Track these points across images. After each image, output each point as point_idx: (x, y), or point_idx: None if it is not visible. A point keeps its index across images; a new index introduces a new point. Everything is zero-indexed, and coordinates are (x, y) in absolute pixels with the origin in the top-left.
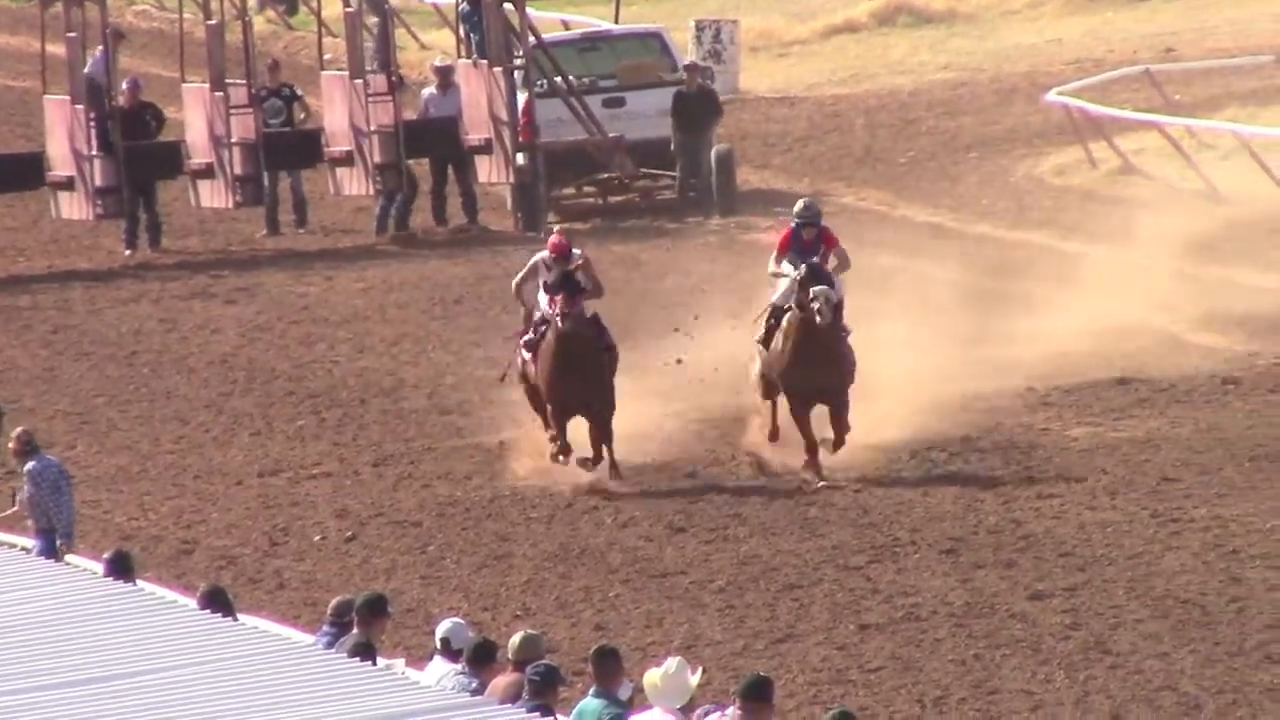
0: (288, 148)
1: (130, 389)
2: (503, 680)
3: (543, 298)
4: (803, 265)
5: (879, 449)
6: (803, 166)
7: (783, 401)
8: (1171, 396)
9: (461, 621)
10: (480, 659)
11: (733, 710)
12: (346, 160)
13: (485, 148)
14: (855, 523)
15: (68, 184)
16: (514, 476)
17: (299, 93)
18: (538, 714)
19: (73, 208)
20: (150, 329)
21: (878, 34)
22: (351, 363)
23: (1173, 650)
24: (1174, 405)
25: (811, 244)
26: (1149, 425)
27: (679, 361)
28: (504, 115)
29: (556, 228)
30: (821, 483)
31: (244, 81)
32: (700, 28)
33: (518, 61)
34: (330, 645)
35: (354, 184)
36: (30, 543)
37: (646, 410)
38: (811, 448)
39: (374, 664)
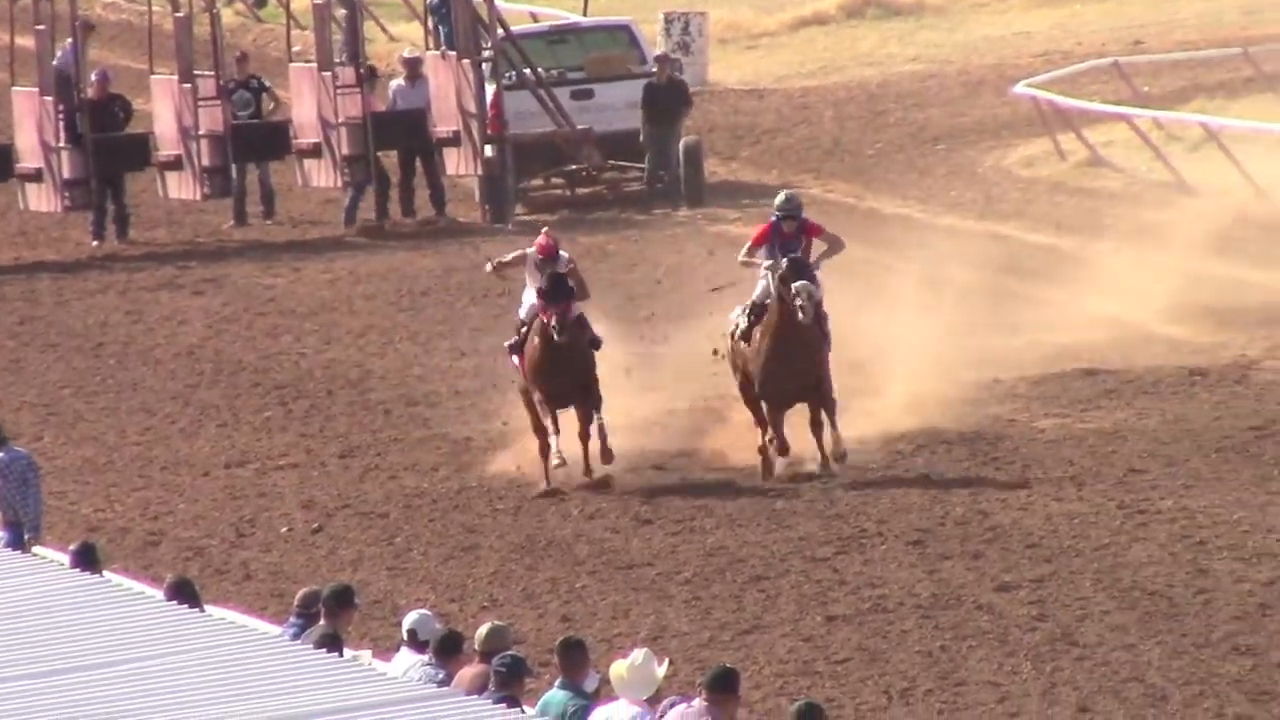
0: (256, 139)
1: (97, 380)
2: (469, 671)
3: (531, 293)
4: (784, 259)
5: (847, 441)
6: (771, 158)
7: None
8: (1138, 388)
9: (428, 613)
10: (447, 650)
11: (699, 701)
12: (314, 152)
13: (453, 140)
14: (822, 514)
15: (36, 176)
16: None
17: (267, 85)
18: (504, 705)
19: (40, 199)
20: (117, 320)
21: (846, 26)
22: (318, 354)
23: (1139, 641)
24: (1141, 396)
25: (792, 236)
26: (1116, 416)
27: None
28: (472, 107)
29: (545, 228)
30: (835, 465)
31: (212, 73)
32: (669, 20)
33: (486, 54)
34: (297, 636)
35: (322, 176)
36: None
37: (619, 402)
38: (783, 449)
39: (341, 655)
